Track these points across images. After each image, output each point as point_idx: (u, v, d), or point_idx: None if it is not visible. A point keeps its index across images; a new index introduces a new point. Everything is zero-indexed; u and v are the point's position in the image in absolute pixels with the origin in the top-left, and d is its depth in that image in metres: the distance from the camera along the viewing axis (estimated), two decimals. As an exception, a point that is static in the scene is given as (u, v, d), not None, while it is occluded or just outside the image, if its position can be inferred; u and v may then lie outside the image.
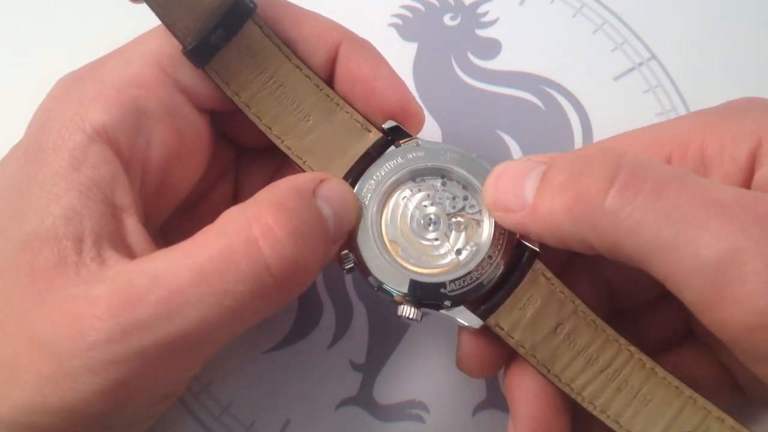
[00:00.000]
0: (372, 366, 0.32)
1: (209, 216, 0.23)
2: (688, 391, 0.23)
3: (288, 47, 0.26)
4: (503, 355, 0.26)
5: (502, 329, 0.24)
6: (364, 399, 0.31)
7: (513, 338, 0.24)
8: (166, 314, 0.20)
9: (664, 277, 0.20)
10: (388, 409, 0.31)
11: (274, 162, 0.30)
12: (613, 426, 0.23)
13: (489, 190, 0.24)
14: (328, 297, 0.33)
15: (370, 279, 0.25)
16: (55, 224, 0.21)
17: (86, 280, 0.21)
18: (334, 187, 0.24)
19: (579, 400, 0.24)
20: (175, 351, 0.21)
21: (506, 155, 0.36)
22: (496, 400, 0.31)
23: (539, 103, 0.37)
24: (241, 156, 0.31)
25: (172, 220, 0.28)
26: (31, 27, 0.39)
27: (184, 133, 0.26)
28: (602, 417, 0.23)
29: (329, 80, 0.27)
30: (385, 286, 0.25)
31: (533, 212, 0.22)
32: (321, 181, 0.24)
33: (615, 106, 0.37)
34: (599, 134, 0.36)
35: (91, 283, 0.21)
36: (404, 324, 0.33)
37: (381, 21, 0.39)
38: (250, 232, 0.21)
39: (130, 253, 0.23)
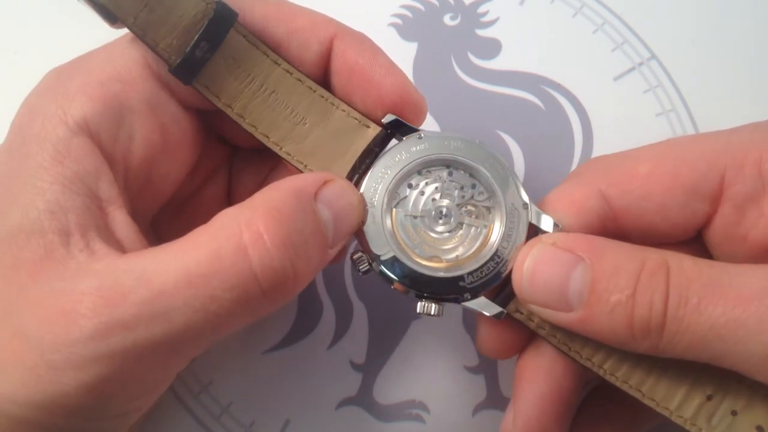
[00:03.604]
0: (372, 366, 0.32)
1: (201, 213, 0.23)
2: None
3: (280, 43, 0.26)
4: (522, 337, 0.26)
5: (522, 314, 0.24)
6: (364, 399, 0.31)
7: (533, 321, 0.24)
8: (149, 316, 0.20)
9: (731, 368, 0.21)
10: (388, 409, 0.31)
11: (269, 162, 0.30)
12: (636, 395, 0.24)
13: (524, 287, 0.24)
14: (328, 297, 0.33)
15: (380, 271, 0.25)
16: (40, 218, 0.21)
17: (74, 273, 0.21)
18: (336, 190, 0.24)
19: (601, 373, 0.24)
20: (159, 351, 0.20)
21: (506, 155, 0.36)
22: (496, 400, 0.31)
23: (539, 103, 0.37)
24: (235, 155, 0.30)
25: (164, 217, 0.28)
26: (30, 27, 0.39)
27: (168, 129, 0.25)
28: (625, 387, 0.24)
29: (324, 75, 0.27)
30: (401, 285, 0.25)
31: (585, 322, 0.22)
32: (324, 183, 0.24)
33: (615, 106, 0.37)
34: (599, 134, 0.36)
35: (77, 278, 0.21)
36: (404, 324, 0.33)
37: (381, 21, 0.39)
38: (240, 238, 0.21)
39: (119, 247, 0.22)
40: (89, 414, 0.21)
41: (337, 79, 0.26)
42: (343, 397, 0.31)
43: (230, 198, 0.30)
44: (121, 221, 0.23)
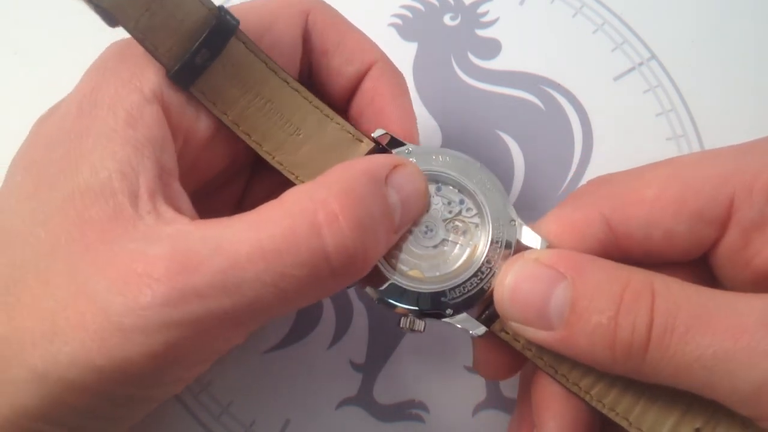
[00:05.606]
0: (372, 366, 0.32)
1: (215, 212, 0.23)
2: None
3: (327, 49, 0.27)
4: (519, 358, 0.25)
5: (507, 334, 0.24)
6: (364, 399, 0.31)
7: (519, 342, 0.24)
8: (222, 286, 0.20)
9: (715, 400, 0.21)
10: (388, 409, 0.31)
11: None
12: (623, 423, 0.23)
13: (504, 303, 0.23)
14: (328, 297, 0.33)
15: (368, 290, 0.25)
16: (111, 178, 0.21)
17: (144, 235, 0.21)
18: (407, 175, 0.24)
19: (587, 399, 0.24)
20: (225, 322, 0.20)
21: (506, 155, 0.36)
22: (496, 400, 0.31)
23: (539, 103, 0.37)
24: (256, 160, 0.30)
25: None
26: (31, 27, 0.39)
27: None
28: (611, 415, 0.23)
29: (352, 93, 0.28)
30: (384, 298, 0.24)
31: (566, 342, 0.22)
32: (395, 167, 0.23)
33: (615, 106, 0.37)
34: (599, 134, 0.36)
35: (149, 240, 0.20)
36: (404, 324, 0.33)
37: (381, 21, 0.39)
38: (315, 217, 0.21)
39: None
40: (146, 381, 0.21)
41: (359, 97, 0.28)
42: (343, 397, 0.31)
43: (242, 201, 0.30)
44: (179, 193, 0.23)
